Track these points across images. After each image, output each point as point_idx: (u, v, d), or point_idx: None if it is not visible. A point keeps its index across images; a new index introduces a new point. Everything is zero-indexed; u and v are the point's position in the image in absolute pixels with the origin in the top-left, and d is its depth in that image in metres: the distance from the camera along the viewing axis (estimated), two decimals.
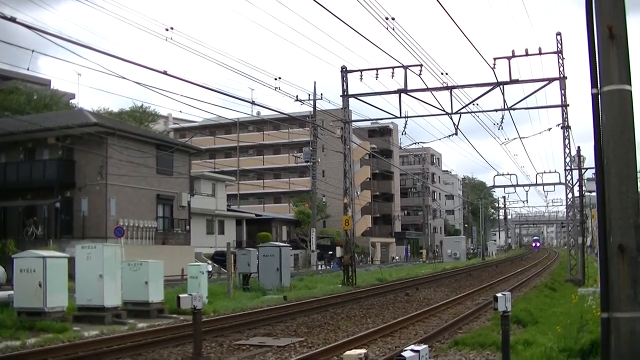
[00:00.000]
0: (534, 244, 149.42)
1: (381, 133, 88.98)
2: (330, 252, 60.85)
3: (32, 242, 35.50)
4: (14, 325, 15.20)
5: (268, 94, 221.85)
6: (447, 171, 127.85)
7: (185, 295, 11.86)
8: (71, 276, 17.28)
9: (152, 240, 40.94)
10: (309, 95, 45.59)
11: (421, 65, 29.82)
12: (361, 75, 32.76)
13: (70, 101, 62.11)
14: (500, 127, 34.38)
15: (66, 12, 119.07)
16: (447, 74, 31.31)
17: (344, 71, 34.35)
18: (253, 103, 31.77)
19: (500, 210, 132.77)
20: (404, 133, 35.77)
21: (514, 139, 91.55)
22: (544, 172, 64.98)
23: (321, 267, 55.90)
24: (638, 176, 6.20)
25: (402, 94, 31.82)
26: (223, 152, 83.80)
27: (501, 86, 30.62)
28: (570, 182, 37.91)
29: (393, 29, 23.00)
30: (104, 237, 35.89)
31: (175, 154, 43.65)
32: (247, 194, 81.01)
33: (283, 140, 76.75)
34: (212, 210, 55.14)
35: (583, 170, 41.34)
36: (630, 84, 6.09)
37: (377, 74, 31.72)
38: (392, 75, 31.18)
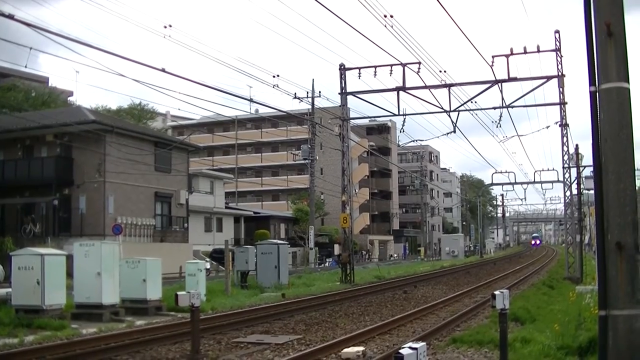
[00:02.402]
0: (533, 242, 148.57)
1: (379, 131, 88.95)
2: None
3: (30, 240, 35.50)
4: (12, 323, 15.19)
5: (266, 92, 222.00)
6: (445, 169, 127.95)
7: (183, 292, 11.87)
8: (69, 274, 17.26)
9: (150, 237, 40.92)
10: (307, 92, 45.65)
11: (419, 63, 29.89)
12: (359, 73, 32.80)
13: (69, 99, 62.08)
14: (499, 125, 34.45)
15: (65, 9, 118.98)
16: (445, 71, 31.45)
17: (342, 69, 34.37)
18: (251, 101, 31.94)
19: (499, 208, 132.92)
20: (402, 131, 35.86)
21: (512, 136, 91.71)
22: (542, 170, 65.09)
23: (329, 264, 56.26)
24: (636, 174, 6.20)
25: (401, 92, 31.86)
26: (221, 150, 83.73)
27: (499, 84, 30.66)
28: (569, 179, 37.97)
29: (391, 27, 23.06)
30: (102, 234, 35.89)
31: (174, 152, 43.63)
32: (245, 191, 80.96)
33: (281, 137, 76.71)
34: (211, 207, 55.12)
35: (581, 168, 41.44)
36: (628, 82, 6.09)
37: (375, 72, 31.75)
38: (391, 73, 31.27)
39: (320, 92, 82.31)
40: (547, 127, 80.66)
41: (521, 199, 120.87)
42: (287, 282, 28.93)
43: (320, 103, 48.74)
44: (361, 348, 11.85)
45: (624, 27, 6.14)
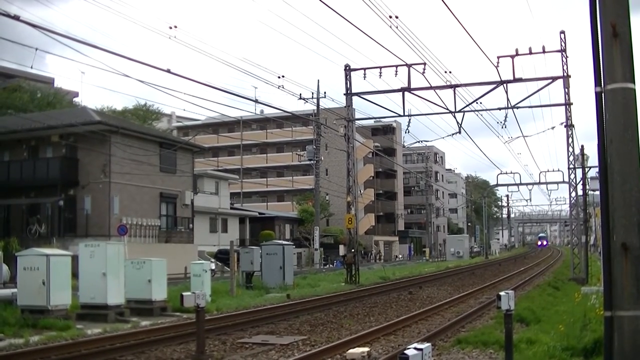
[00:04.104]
0: (539, 242, 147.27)
1: (384, 131, 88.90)
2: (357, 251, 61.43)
3: (35, 240, 35.52)
4: (18, 323, 15.23)
5: (271, 93, 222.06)
6: (450, 170, 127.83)
7: (189, 293, 11.87)
8: (74, 274, 17.30)
9: (155, 238, 40.96)
10: (313, 93, 45.75)
11: (425, 64, 29.89)
12: (365, 74, 32.82)
13: (74, 99, 62.14)
14: (504, 126, 34.46)
15: (70, 10, 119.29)
16: (450, 72, 31.49)
17: (348, 69, 34.37)
18: (256, 101, 31.93)
19: (504, 209, 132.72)
20: (407, 131, 35.89)
21: (518, 137, 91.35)
22: (548, 171, 65.11)
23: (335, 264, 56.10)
24: None
25: (406, 93, 31.84)
26: (226, 151, 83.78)
27: (505, 85, 30.64)
28: (574, 180, 37.91)
29: (397, 28, 23.03)
30: (107, 235, 35.92)
31: (179, 152, 43.65)
32: (251, 192, 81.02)
33: (286, 138, 76.74)
34: (216, 208, 55.14)
35: (586, 169, 41.34)
36: (634, 82, 6.07)
37: (380, 73, 31.76)
38: (396, 74, 31.23)
39: (325, 92, 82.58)
40: (553, 127, 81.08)
41: (526, 200, 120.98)
42: (292, 282, 28.93)
43: (325, 104, 48.85)
44: (366, 349, 11.84)
45: (630, 27, 6.12)
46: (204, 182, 54.76)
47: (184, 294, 11.75)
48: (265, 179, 79.81)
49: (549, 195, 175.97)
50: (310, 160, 55.12)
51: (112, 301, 17.04)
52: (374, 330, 14.59)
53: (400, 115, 33.37)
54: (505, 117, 33.81)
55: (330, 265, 56.10)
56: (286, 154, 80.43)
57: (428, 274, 42.56)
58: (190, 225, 45.34)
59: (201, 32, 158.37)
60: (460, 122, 33.12)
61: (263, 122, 76.71)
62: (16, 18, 15.84)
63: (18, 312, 16.10)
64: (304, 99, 39.64)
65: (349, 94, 34.56)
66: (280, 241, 37.11)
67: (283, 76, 31.56)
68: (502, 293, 8.85)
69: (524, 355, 10.46)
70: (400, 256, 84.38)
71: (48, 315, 15.67)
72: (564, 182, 52.15)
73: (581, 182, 39.68)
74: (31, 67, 21.08)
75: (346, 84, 34.36)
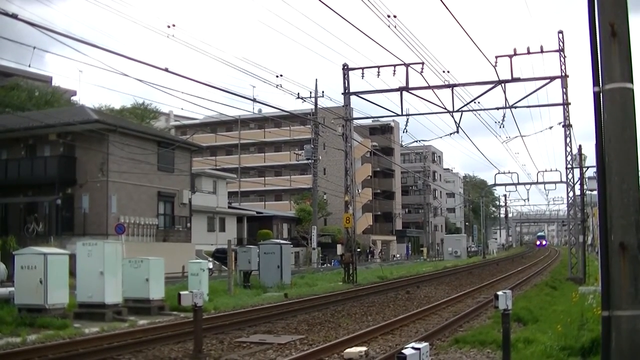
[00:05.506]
0: (538, 242, 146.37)
1: (382, 131, 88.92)
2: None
3: (33, 239, 35.53)
4: (15, 322, 15.19)
5: (269, 92, 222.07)
6: (448, 169, 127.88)
7: (186, 292, 11.86)
8: (72, 273, 17.26)
9: (153, 237, 40.94)
10: (311, 92, 45.74)
11: (423, 63, 29.88)
12: (363, 73, 32.80)
13: (72, 98, 62.10)
14: (502, 125, 34.48)
15: (68, 9, 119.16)
16: (448, 72, 31.56)
17: (346, 69, 34.35)
18: (254, 100, 31.97)
19: (501, 209, 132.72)
20: (405, 131, 35.91)
21: (516, 137, 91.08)
22: (545, 171, 65.05)
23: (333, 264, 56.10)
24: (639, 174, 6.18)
25: (404, 92, 31.85)
26: (224, 150, 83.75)
27: (503, 84, 30.65)
28: (572, 180, 37.92)
29: (395, 27, 23.04)
30: (105, 234, 35.93)
31: (177, 151, 43.64)
32: (248, 191, 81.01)
33: (284, 137, 76.74)
34: (213, 207, 55.13)
35: (584, 169, 41.36)
36: (632, 82, 6.07)
37: (378, 72, 31.74)
38: (394, 73, 31.23)
39: (323, 92, 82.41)
40: (551, 127, 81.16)
41: (524, 200, 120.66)
42: (290, 282, 28.91)
43: (323, 103, 48.84)
44: (364, 348, 11.82)
45: (628, 27, 6.13)
46: (202, 181, 54.76)
47: (181, 293, 11.74)
48: (263, 178, 79.82)
49: (547, 195, 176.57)
50: (308, 159, 55.14)
51: (110, 300, 17.01)
52: (371, 330, 14.58)
53: (398, 115, 33.37)
54: (503, 116, 33.85)
55: (328, 265, 56.10)
56: (284, 153, 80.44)
57: (425, 273, 42.55)
58: (188, 224, 45.34)
59: (199, 31, 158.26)
60: (458, 122, 33.16)
61: (261, 121, 76.77)
62: (14, 16, 15.82)
63: (15, 311, 16.06)
64: (302, 98, 39.69)
65: (347, 94, 34.55)
66: (277, 240, 37.05)
67: (281, 75, 31.55)
68: (499, 293, 8.85)
69: (521, 355, 10.47)
70: (397, 255, 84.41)
71: (45, 314, 15.63)
72: (561, 181, 52.20)
73: (579, 182, 39.72)
74: (29, 66, 21.15)
75: (344, 83, 34.35)
